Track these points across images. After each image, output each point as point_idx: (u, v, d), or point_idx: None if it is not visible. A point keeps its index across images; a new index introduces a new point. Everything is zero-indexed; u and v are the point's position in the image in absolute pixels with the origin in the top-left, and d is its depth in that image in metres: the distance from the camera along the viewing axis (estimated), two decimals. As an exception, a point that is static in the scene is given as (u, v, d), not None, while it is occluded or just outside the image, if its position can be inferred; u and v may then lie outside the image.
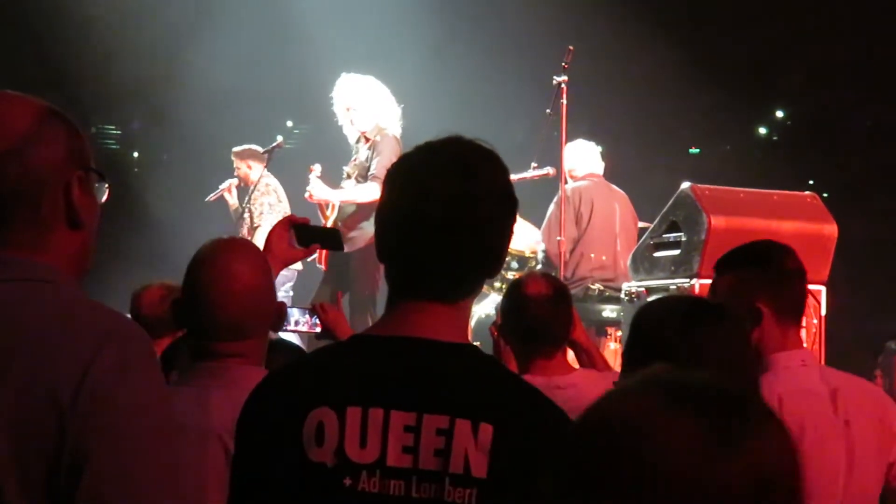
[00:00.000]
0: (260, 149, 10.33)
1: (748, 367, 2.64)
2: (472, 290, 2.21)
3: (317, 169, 8.68)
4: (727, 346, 2.64)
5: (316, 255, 9.02)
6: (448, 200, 2.10)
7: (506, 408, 2.07)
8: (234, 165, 10.48)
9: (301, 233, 3.57)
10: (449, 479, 2.03)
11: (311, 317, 4.33)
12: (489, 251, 2.17)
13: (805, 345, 3.68)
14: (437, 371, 2.10)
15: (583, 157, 8.76)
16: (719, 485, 1.29)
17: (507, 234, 2.19)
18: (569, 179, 8.63)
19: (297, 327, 4.31)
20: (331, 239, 3.84)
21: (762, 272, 3.49)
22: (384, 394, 2.08)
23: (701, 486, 1.29)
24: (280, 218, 3.88)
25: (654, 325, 2.73)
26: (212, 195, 10.61)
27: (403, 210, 2.14)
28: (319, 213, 8.76)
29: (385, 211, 2.19)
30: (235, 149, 10.47)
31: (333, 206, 8.67)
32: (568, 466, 1.37)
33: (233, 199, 10.50)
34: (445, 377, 2.10)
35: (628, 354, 2.79)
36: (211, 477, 2.77)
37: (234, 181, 10.49)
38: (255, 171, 10.30)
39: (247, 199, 10.22)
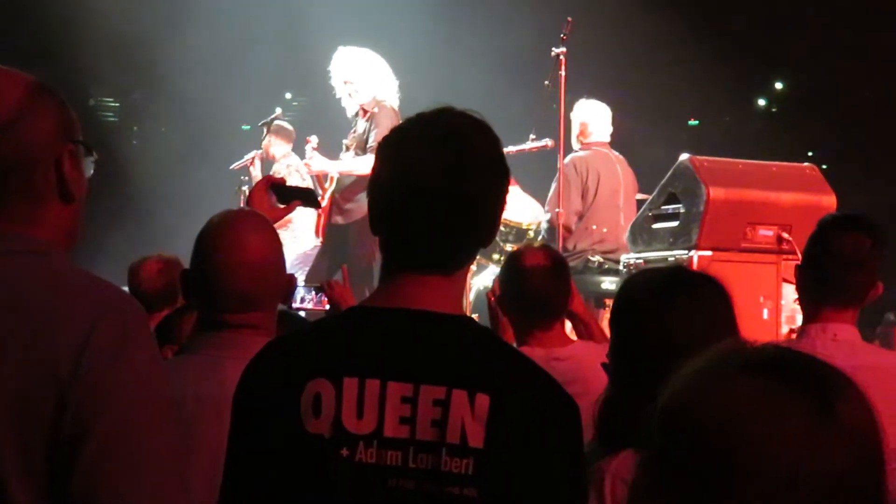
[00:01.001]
0: (289, 126, 10.27)
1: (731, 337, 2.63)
2: (466, 261, 2.22)
3: (313, 140, 8.68)
4: (708, 316, 2.64)
5: (314, 227, 9.05)
6: (442, 172, 2.10)
7: (502, 379, 2.08)
8: (262, 136, 10.41)
9: (280, 192, 3.67)
10: (446, 450, 2.04)
11: (317, 294, 4.37)
12: (483, 221, 2.18)
13: (801, 315, 3.69)
14: (433, 342, 2.11)
15: (598, 119, 8.63)
16: (826, 458, 1.32)
17: (500, 203, 2.19)
18: (575, 141, 8.57)
19: (304, 304, 4.35)
20: (308, 197, 3.93)
21: (808, 247, 3.59)
22: (381, 365, 2.09)
23: (809, 463, 1.31)
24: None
25: (636, 295, 2.73)
26: (236, 164, 10.53)
27: (397, 182, 2.15)
28: (317, 184, 8.75)
29: (378, 183, 2.19)
30: (268, 121, 10.37)
31: (332, 178, 8.67)
32: (674, 466, 1.37)
33: (255, 171, 10.41)
34: (442, 348, 2.10)
35: (613, 325, 2.79)
36: (224, 444, 2.76)
37: (259, 152, 10.42)
38: (278, 147, 10.26)
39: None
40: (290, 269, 9.48)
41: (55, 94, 2.07)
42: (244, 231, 2.98)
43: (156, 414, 1.92)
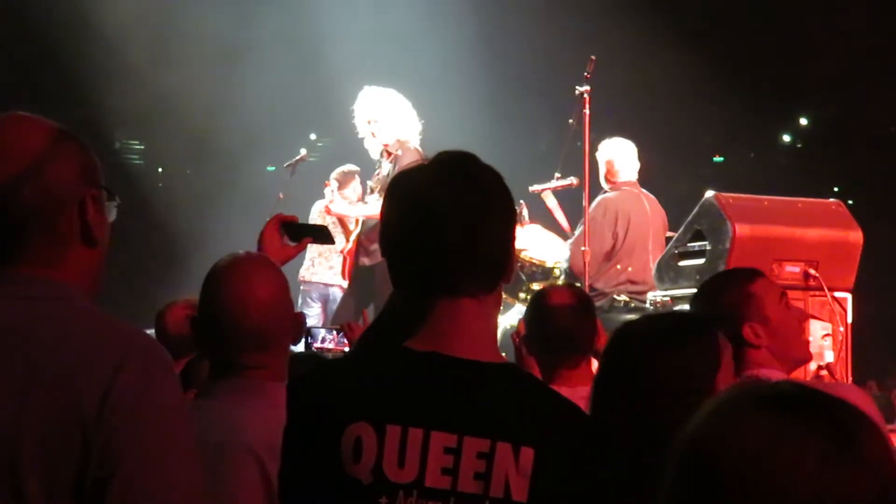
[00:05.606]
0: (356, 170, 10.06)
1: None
2: (492, 289, 2.19)
3: (333, 184, 8.70)
4: (707, 367, 2.62)
5: (340, 269, 9.05)
6: (463, 224, 2.11)
7: (546, 430, 2.07)
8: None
9: (291, 230, 3.65)
10: (489, 503, 2.03)
11: (338, 334, 4.37)
12: (501, 258, 2.17)
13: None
14: (477, 392, 2.10)
15: (624, 157, 8.48)
16: (846, 491, 1.31)
17: (507, 232, 2.19)
18: (604, 181, 8.49)
19: (324, 344, 4.36)
20: (320, 233, 3.91)
21: None
22: (424, 413, 2.08)
23: (832, 494, 1.31)
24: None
25: (631, 346, 2.71)
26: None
27: (415, 233, 2.14)
28: (341, 226, 8.75)
29: (394, 233, 2.19)
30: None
31: (357, 220, 8.67)
32: (696, 501, 1.37)
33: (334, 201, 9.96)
34: (486, 399, 2.09)
35: (608, 374, 2.77)
36: (245, 493, 2.76)
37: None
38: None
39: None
40: (328, 301, 9.43)
41: (77, 140, 2.09)
42: (249, 271, 2.99)
43: (181, 455, 1.92)
